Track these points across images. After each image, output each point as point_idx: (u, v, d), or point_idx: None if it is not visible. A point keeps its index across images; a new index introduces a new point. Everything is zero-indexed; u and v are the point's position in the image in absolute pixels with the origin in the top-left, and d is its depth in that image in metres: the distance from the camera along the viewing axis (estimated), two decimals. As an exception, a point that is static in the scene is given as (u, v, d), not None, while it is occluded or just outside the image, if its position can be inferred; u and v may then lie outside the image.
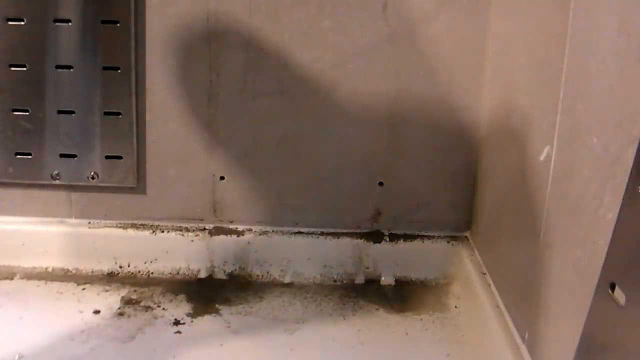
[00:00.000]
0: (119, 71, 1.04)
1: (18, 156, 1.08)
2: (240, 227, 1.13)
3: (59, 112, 1.06)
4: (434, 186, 1.09)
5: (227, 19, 1.02)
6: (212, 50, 1.04)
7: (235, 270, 1.12)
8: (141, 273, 1.12)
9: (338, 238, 1.11)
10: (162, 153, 1.09)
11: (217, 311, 1.00)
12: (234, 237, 1.12)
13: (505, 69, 0.93)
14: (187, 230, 1.12)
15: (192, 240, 1.12)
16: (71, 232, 1.12)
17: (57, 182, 1.09)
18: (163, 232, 1.12)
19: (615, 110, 0.55)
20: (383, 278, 1.10)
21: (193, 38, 1.03)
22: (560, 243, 0.68)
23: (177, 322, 0.96)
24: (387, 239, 1.11)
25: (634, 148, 0.49)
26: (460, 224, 1.11)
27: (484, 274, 0.98)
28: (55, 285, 1.07)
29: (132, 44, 1.03)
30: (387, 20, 1.02)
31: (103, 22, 1.02)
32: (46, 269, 1.12)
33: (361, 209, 1.11)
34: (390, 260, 1.11)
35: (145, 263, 1.12)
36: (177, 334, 0.93)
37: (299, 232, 1.12)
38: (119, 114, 1.06)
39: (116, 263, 1.12)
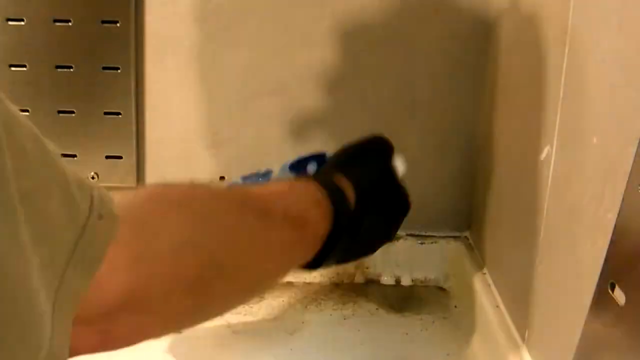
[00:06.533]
0: (119, 71, 1.04)
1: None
2: (240, 227, 1.12)
3: (59, 112, 1.06)
4: (433, 186, 1.09)
5: (227, 19, 1.02)
6: (212, 50, 1.04)
7: (235, 270, 1.11)
8: (141, 273, 1.11)
9: (338, 238, 1.11)
10: (162, 153, 1.09)
11: (217, 311, 1.00)
12: (234, 237, 1.11)
13: (505, 68, 0.93)
14: (187, 230, 1.12)
15: (192, 240, 1.11)
16: (71, 232, 1.12)
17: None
18: (163, 232, 1.12)
19: (615, 110, 0.55)
20: (383, 278, 1.10)
21: (194, 38, 1.03)
22: (560, 243, 0.68)
23: (177, 322, 0.96)
24: (387, 239, 1.11)
25: (634, 148, 0.49)
26: (460, 224, 1.11)
27: (484, 274, 0.97)
28: (55, 285, 1.07)
29: (132, 44, 1.03)
30: (386, 20, 1.02)
31: (103, 22, 1.02)
32: (46, 269, 1.12)
33: (361, 209, 1.11)
34: (390, 260, 1.10)
35: (145, 263, 1.12)
36: (177, 334, 0.93)
37: (299, 232, 1.12)
38: (119, 114, 1.06)
39: (116, 263, 1.12)
